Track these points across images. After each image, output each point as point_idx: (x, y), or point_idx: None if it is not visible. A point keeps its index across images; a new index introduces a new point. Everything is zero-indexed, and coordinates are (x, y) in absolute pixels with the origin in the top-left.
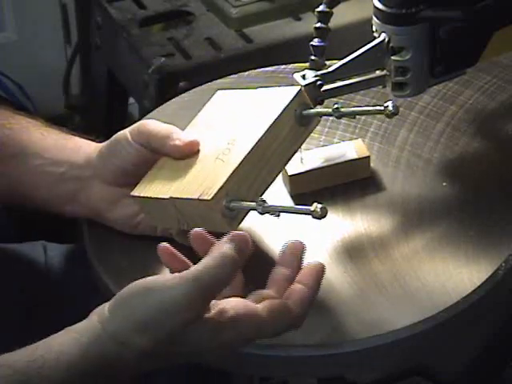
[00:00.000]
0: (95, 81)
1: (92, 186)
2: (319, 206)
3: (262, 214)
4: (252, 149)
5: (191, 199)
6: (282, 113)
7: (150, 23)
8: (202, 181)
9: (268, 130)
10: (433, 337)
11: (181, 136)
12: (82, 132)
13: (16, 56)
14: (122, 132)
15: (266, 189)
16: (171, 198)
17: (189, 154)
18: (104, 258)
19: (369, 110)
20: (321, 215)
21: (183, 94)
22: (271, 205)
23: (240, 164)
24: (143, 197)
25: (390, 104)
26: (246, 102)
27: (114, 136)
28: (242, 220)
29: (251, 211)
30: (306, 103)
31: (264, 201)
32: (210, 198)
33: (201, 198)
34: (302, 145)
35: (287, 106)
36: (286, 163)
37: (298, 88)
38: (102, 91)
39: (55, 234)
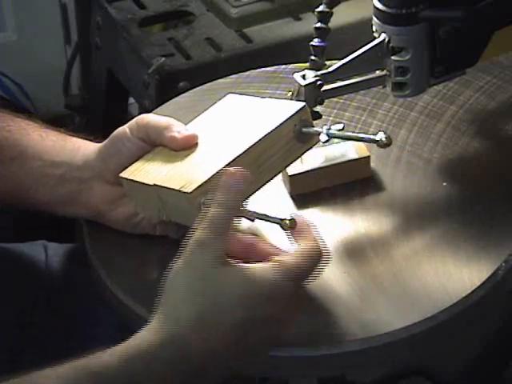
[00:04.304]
0: (95, 81)
1: (92, 187)
2: (288, 217)
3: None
4: (242, 153)
5: (172, 189)
6: (280, 125)
7: (150, 23)
8: (187, 174)
9: (263, 138)
10: (433, 337)
11: (180, 128)
12: (81, 132)
13: (16, 56)
14: (120, 128)
15: (250, 196)
16: (155, 185)
17: (186, 146)
18: (104, 258)
19: (362, 138)
20: (290, 227)
21: (183, 94)
22: (246, 209)
23: (227, 165)
24: (130, 179)
25: (382, 135)
26: (250, 109)
27: (112, 134)
28: None
29: None
30: (308, 121)
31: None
32: (189, 191)
33: (181, 189)
34: (295, 161)
35: (287, 119)
36: (276, 175)
37: (303, 104)
38: (102, 91)
39: (56, 234)
